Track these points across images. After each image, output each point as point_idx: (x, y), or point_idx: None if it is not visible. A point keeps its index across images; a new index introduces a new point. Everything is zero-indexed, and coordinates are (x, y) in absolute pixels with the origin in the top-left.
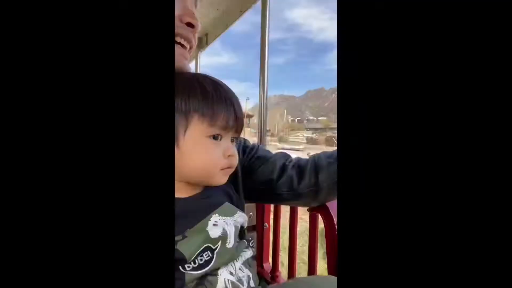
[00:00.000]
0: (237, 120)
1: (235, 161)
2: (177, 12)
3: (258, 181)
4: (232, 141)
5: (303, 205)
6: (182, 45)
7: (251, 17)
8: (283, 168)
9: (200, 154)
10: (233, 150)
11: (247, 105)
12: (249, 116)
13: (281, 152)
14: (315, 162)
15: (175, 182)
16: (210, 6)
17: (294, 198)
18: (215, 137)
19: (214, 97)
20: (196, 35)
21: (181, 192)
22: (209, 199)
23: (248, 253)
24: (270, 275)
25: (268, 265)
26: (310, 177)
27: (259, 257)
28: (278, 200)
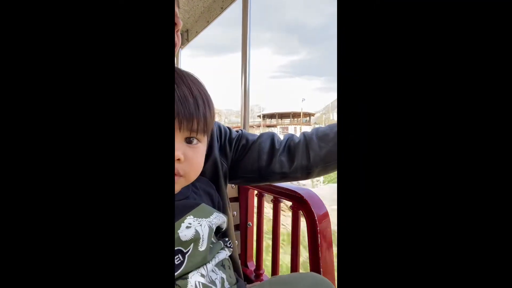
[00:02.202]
0: (203, 121)
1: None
2: None
3: (246, 170)
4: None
5: (292, 180)
6: None
7: (326, 7)
8: (272, 152)
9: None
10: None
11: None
12: (310, 115)
13: (267, 133)
14: (307, 145)
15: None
16: (192, 2)
17: (284, 179)
18: (187, 140)
19: (186, 97)
20: (179, 33)
21: None
22: (186, 200)
23: (223, 254)
24: (254, 274)
25: (252, 264)
26: (301, 160)
27: (243, 256)
28: (267, 182)
